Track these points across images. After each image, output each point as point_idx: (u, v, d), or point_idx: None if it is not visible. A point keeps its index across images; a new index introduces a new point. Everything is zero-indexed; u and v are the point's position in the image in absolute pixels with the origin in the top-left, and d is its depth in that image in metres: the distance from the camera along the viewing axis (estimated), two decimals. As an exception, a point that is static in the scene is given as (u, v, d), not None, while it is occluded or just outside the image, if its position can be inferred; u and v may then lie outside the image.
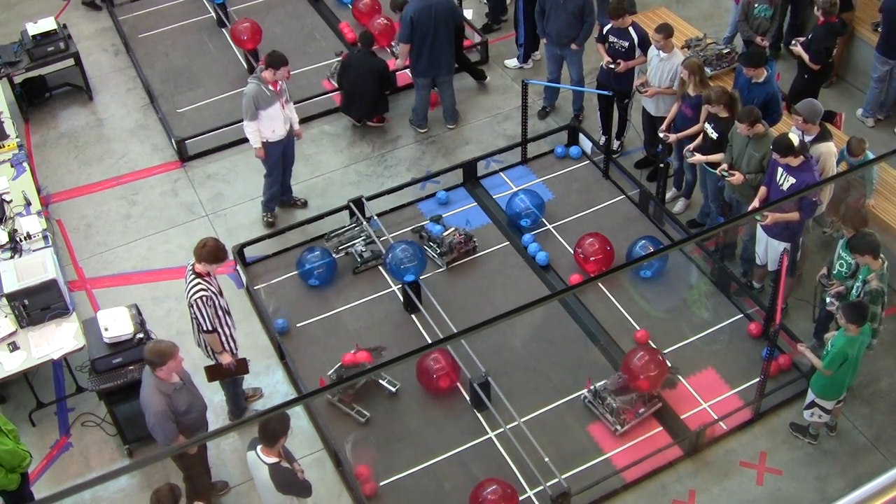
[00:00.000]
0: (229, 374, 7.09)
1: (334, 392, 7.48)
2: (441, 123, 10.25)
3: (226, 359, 6.93)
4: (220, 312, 6.76)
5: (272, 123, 8.47)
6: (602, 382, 7.44)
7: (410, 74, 9.96)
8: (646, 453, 7.09)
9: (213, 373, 7.03)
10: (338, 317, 8.28)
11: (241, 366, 7.11)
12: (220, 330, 6.80)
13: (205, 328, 6.71)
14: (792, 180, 7.14)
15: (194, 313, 6.68)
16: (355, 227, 8.71)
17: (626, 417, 7.28)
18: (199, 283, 6.63)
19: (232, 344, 6.99)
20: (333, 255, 8.50)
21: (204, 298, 6.60)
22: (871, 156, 7.92)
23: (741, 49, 9.99)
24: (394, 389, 7.61)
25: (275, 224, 9.15)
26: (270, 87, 8.33)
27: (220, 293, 6.84)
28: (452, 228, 8.78)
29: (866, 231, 6.88)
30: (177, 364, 6.16)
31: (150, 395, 6.15)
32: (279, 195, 9.19)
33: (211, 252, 6.60)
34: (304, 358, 7.94)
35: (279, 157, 8.81)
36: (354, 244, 8.59)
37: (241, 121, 9.97)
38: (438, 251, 8.64)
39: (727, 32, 10.56)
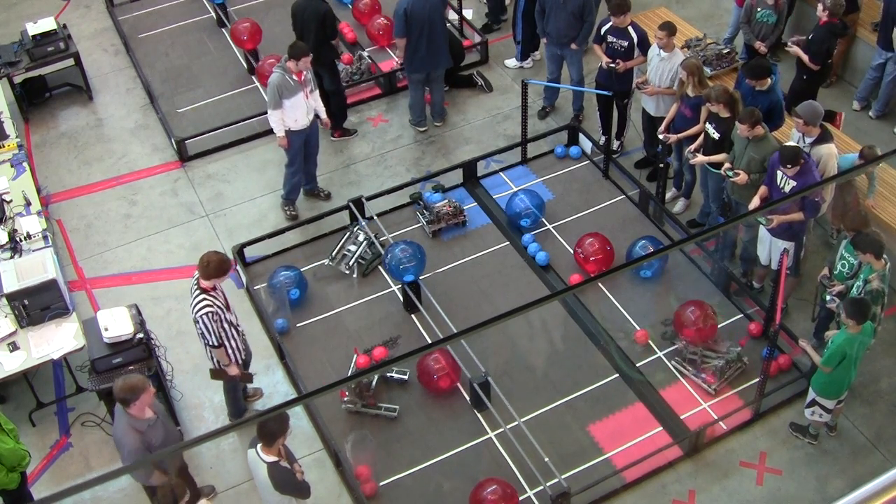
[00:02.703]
0: (232, 380, 7.09)
1: (355, 402, 7.49)
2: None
3: (233, 371, 6.91)
4: (225, 326, 6.71)
5: (295, 113, 8.50)
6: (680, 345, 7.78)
7: (405, 71, 9.90)
8: (646, 453, 7.09)
9: (217, 374, 7.02)
10: (338, 317, 8.28)
11: (246, 378, 7.14)
12: (227, 344, 6.77)
13: (211, 343, 6.66)
14: (793, 183, 7.15)
15: (200, 329, 6.62)
16: (348, 234, 8.68)
17: (708, 379, 7.53)
18: (204, 300, 6.55)
19: (238, 355, 6.96)
20: (342, 268, 8.53)
21: (210, 314, 6.55)
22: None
23: (742, 49, 10.01)
24: (405, 377, 7.67)
25: (297, 218, 9.16)
26: (294, 77, 8.35)
27: (228, 307, 6.78)
28: (446, 200, 8.89)
29: (873, 230, 6.90)
30: (149, 397, 5.94)
31: (124, 434, 5.97)
32: (300, 186, 9.19)
33: (217, 267, 6.53)
34: (304, 358, 7.94)
35: (300, 147, 8.82)
36: (358, 251, 8.56)
37: (242, 121, 10.09)
38: (427, 219, 8.73)
39: (727, 33, 10.56)
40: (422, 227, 8.92)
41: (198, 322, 6.59)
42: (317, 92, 8.73)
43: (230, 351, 6.83)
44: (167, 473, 6.32)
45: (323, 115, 8.85)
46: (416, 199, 9.11)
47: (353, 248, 8.60)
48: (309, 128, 8.73)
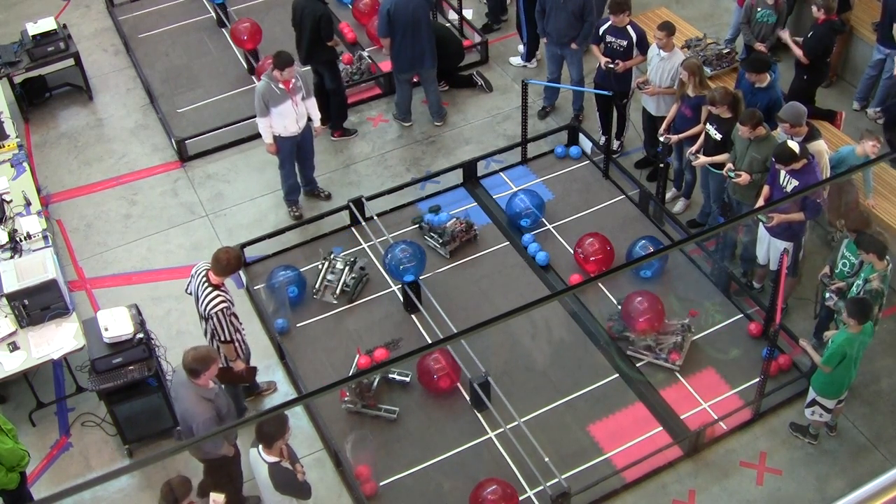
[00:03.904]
0: (235, 380, 7.09)
1: (355, 402, 7.48)
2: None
3: (239, 366, 6.93)
4: (234, 321, 6.74)
5: (283, 120, 8.49)
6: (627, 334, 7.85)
7: (393, 71, 9.90)
8: (646, 453, 7.09)
9: (222, 376, 7.00)
10: (338, 317, 8.28)
11: (250, 374, 7.14)
12: (235, 338, 6.79)
13: (223, 339, 6.66)
14: (795, 182, 7.16)
15: (213, 325, 6.61)
16: (326, 264, 8.55)
17: (672, 357, 7.63)
18: (218, 295, 6.57)
19: (242, 349, 6.98)
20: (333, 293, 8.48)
21: (225, 310, 6.57)
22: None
23: (742, 50, 10.01)
24: (407, 379, 7.67)
25: (301, 217, 9.16)
26: (281, 86, 8.33)
27: (232, 301, 6.82)
28: (453, 219, 8.84)
29: (878, 230, 6.90)
30: (216, 368, 6.11)
31: (196, 405, 6.05)
32: (298, 187, 9.20)
33: (236, 264, 6.59)
34: (304, 358, 7.95)
35: (291, 151, 8.81)
36: (342, 279, 8.45)
37: (242, 121, 10.10)
38: (441, 241, 8.68)
39: (728, 34, 10.55)
40: (435, 250, 8.71)
41: (211, 318, 6.59)
42: (312, 99, 8.69)
43: (237, 346, 6.86)
44: (234, 445, 6.43)
45: (316, 122, 8.79)
46: (418, 223, 8.94)
47: (332, 277, 8.49)
48: (300, 134, 8.69)
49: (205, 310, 6.61)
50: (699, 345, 7.87)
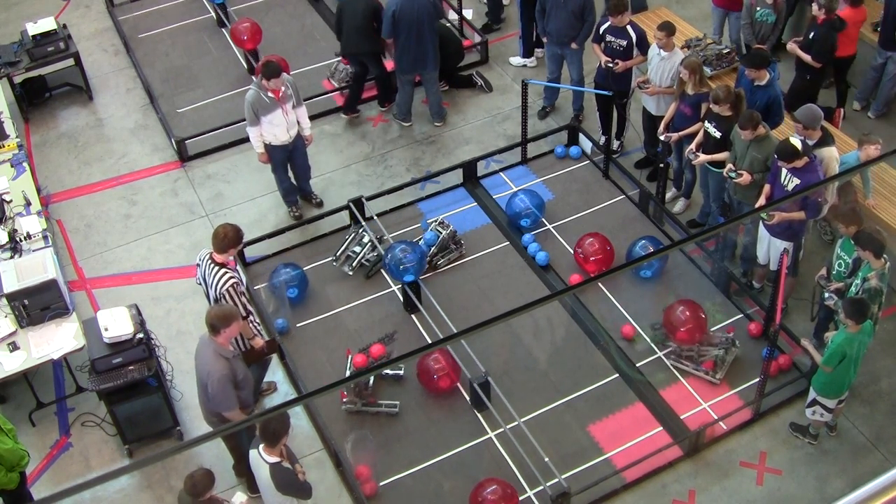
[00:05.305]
0: (260, 357, 7.10)
1: (354, 402, 7.49)
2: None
3: (258, 343, 6.96)
4: (244, 299, 6.78)
5: (273, 129, 8.47)
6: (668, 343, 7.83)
7: (396, 71, 9.92)
8: (646, 453, 7.09)
9: (246, 358, 6.99)
10: (338, 317, 8.28)
11: (271, 346, 7.16)
12: (249, 318, 6.84)
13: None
14: (796, 181, 7.15)
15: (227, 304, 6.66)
16: (353, 235, 8.66)
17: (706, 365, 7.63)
18: (226, 273, 6.64)
19: (258, 326, 7.04)
20: (346, 270, 8.52)
21: (235, 286, 6.64)
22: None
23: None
24: (401, 373, 7.67)
25: (301, 217, 9.17)
26: (270, 95, 8.29)
27: (241, 279, 6.88)
28: (432, 231, 8.72)
29: (877, 229, 6.90)
30: (237, 328, 6.18)
31: (212, 361, 6.11)
32: (294, 189, 9.21)
33: (235, 237, 6.67)
34: (304, 358, 7.95)
35: (283, 159, 8.82)
36: (362, 253, 8.52)
37: (242, 121, 10.04)
38: (450, 251, 8.66)
39: (713, 37, 10.55)
40: (455, 261, 8.71)
41: (223, 297, 6.63)
42: (303, 108, 8.65)
43: (251, 323, 6.88)
44: (246, 411, 6.44)
45: (306, 130, 8.73)
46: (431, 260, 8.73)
47: (357, 249, 8.57)
48: (291, 143, 8.65)
49: (216, 290, 6.65)
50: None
